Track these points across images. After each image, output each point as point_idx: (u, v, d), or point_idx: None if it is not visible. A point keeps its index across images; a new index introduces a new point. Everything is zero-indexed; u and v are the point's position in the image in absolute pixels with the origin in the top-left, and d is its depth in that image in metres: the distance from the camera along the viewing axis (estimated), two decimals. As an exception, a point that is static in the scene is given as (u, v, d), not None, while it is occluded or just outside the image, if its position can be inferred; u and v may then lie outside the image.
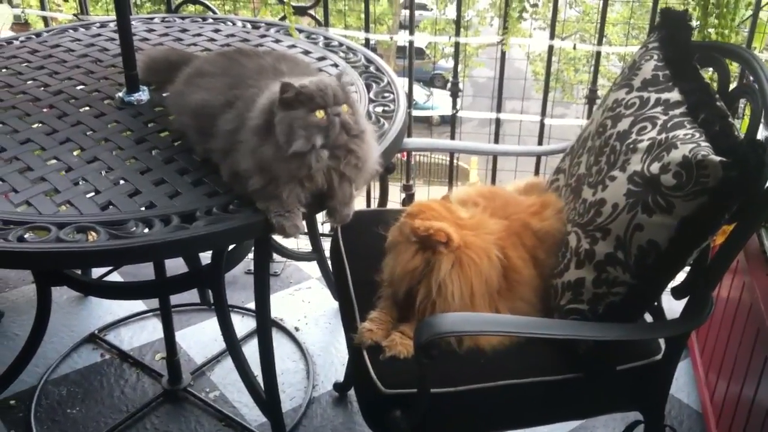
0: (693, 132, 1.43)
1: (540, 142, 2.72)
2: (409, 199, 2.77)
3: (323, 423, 2.21)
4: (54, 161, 1.62)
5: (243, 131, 1.46)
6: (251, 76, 1.61)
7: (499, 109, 2.73)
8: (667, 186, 1.39)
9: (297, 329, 2.59)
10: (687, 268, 1.55)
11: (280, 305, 2.69)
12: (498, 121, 2.74)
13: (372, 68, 2.09)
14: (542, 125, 2.70)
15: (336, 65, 2.08)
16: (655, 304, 1.65)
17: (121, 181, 1.56)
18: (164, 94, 1.85)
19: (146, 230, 1.41)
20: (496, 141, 2.77)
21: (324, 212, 1.54)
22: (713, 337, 2.19)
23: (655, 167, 1.43)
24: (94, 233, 1.39)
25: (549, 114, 2.74)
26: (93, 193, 1.52)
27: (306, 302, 2.74)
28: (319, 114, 1.40)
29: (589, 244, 1.53)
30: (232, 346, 2.00)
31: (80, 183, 1.55)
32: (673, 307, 1.61)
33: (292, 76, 1.57)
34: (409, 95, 2.62)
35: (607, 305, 1.51)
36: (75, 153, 1.65)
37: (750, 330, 1.86)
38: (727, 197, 1.34)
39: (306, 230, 2.46)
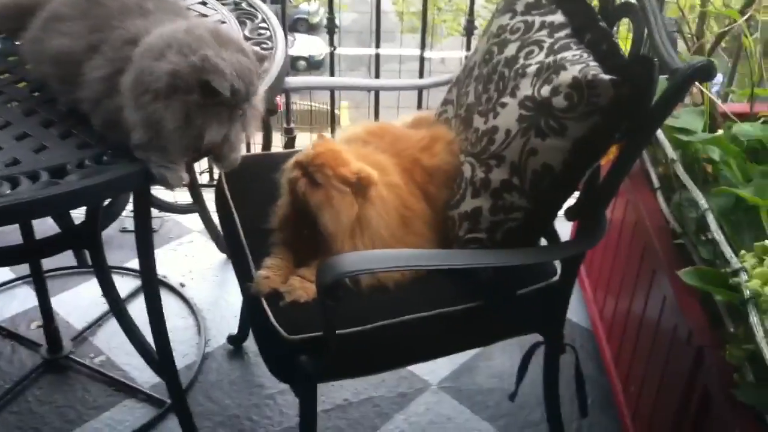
0: (581, 53, 1.43)
1: (421, 77, 2.69)
2: (290, 142, 2.68)
3: (220, 377, 2.15)
4: None
5: (129, 81, 1.31)
6: (115, 16, 1.47)
7: (378, 44, 2.67)
8: (558, 108, 1.38)
9: (182, 285, 2.49)
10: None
11: (161, 262, 2.51)
12: (378, 57, 2.69)
13: (243, 4, 1.97)
14: (422, 59, 2.67)
15: (204, 2, 1.95)
16: (549, 227, 1.67)
17: (-23, 138, 1.40)
18: (17, 43, 1.68)
19: (11, 189, 1.28)
20: (377, 77, 2.71)
21: (209, 158, 1.45)
22: (599, 256, 2.26)
23: (545, 90, 1.42)
24: (-52, 196, 1.25)
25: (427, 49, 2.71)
26: (-56, 152, 1.36)
27: (189, 257, 2.64)
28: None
29: (484, 173, 1.52)
30: (117, 307, 1.89)
31: (-73, 141, 1.38)
32: (564, 230, 1.64)
33: (159, 14, 1.45)
34: (285, 36, 2.50)
35: (505, 232, 1.50)
36: None
37: (636, 246, 1.92)
38: (618, 115, 1.35)
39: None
